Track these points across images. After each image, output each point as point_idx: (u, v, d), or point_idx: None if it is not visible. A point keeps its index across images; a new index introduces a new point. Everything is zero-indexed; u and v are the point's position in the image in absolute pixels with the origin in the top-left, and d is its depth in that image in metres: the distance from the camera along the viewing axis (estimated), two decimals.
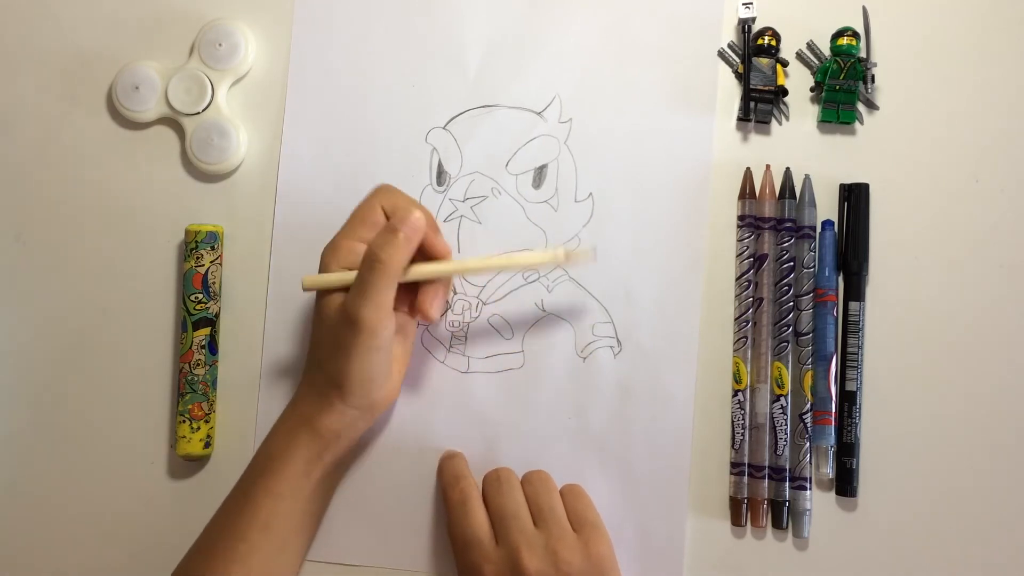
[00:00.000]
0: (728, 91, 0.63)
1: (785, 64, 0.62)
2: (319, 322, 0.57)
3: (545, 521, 0.57)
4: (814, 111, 0.62)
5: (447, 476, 0.60)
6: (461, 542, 0.57)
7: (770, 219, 0.61)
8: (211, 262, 0.63)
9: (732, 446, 0.61)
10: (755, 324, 0.61)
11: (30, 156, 0.66)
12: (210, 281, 0.63)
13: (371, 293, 0.54)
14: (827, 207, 0.62)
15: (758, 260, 0.61)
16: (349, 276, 0.56)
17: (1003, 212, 0.61)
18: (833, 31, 0.62)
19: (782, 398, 0.60)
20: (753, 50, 0.62)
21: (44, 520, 0.64)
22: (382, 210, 0.58)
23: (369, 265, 0.54)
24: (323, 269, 0.57)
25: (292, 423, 0.58)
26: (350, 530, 0.62)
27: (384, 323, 0.54)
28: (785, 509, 0.60)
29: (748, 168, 0.62)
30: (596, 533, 0.57)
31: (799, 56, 0.63)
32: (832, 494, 0.60)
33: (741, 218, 0.62)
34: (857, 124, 0.62)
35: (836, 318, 0.61)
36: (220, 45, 0.64)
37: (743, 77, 0.62)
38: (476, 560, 0.56)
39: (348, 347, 0.55)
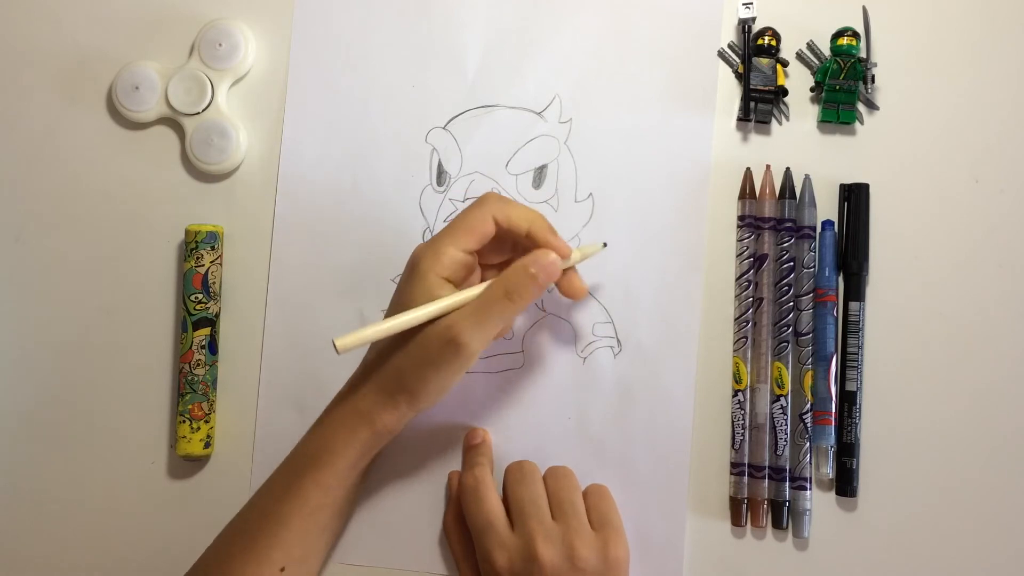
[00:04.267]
0: (728, 91, 0.63)
1: (785, 64, 0.62)
2: (403, 336, 0.54)
3: (564, 515, 0.57)
4: (814, 111, 0.62)
5: (464, 462, 0.60)
6: (475, 528, 0.58)
7: (770, 219, 0.61)
8: (211, 262, 0.63)
9: (732, 446, 0.61)
10: (755, 324, 0.61)
11: (30, 156, 0.66)
12: (210, 281, 0.63)
13: (489, 327, 0.54)
14: (827, 207, 0.62)
15: (758, 260, 0.61)
16: (432, 308, 0.54)
17: (1003, 212, 0.61)
18: (833, 31, 0.62)
19: (782, 398, 0.60)
20: (753, 50, 0.62)
21: (44, 520, 0.64)
22: (494, 221, 0.56)
23: (500, 303, 0.53)
24: (417, 275, 0.55)
25: (349, 418, 0.56)
26: (352, 530, 0.62)
27: (483, 349, 0.54)
28: (785, 509, 0.60)
29: (748, 168, 0.62)
30: (616, 535, 0.57)
31: (799, 56, 0.63)
32: (832, 494, 0.60)
33: (741, 218, 0.62)
34: (857, 124, 0.62)
35: (836, 318, 0.61)
36: (220, 45, 0.64)
37: (743, 77, 0.62)
38: (489, 546, 0.56)
39: (440, 365, 0.54)
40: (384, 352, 0.56)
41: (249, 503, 0.59)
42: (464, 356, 0.53)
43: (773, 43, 0.62)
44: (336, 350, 0.51)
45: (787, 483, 0.60)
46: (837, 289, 0.61)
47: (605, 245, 0.60)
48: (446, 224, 0.57)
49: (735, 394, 0.61)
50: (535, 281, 0.54)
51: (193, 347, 0.63)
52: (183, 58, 0.66)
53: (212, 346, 0.63)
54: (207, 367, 0.63)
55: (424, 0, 0.65)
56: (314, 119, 0.65)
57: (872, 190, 0.61)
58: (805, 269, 0.61)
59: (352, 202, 0.64)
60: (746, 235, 0.62)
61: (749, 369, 0.61)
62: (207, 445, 0.63)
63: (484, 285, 0.55)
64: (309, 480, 0.56)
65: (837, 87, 0.61)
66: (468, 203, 0.63)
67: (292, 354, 0.64)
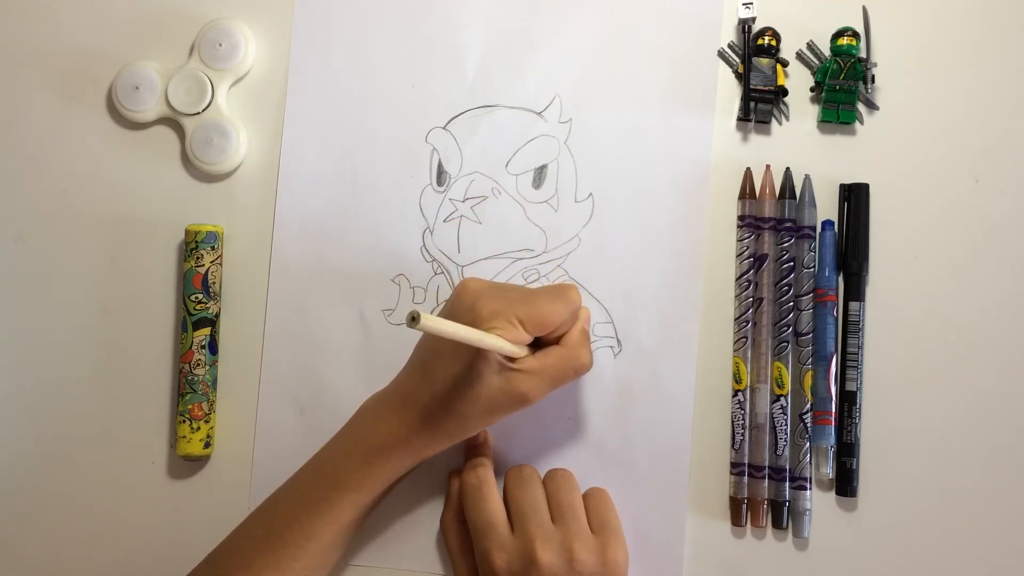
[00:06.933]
0: (728, 91, 0.63)
1: (785, 64, 0.62)
2: (467, 388, 0.54)
3: (564, 518, 0.57)
4: (814, 111, 0.62)
5: (467, 461, 0.60)
6: (475, 527, 0.58)
7: (770, 219, 0.61)
8: (211, 262, 0.63)
9: (732, 446, 0.61)
10: (755, 324, 0.61)
11: (30, 156, 0.66)
12: (210, 281, 0.63)
13: (558, 387, 0.56)
14: (827, 207, 0.62)
15: (758, 260, 0.61)
16: (504, 345, 0.53)
17: (1003, 212, 0.61)
18: (833, 31, 0.62)
19: (782, 398, 0.60)
20: (753, 50, 0.62)
21: (44, 520, 0.64)
22: (559, 319, 0.56)
23: (576, 370, 0.56)
24: (475, 322, 0.54)
25: (400, 451, 0.56)
26: None
27: None
28: (785, 509, 0.60)
29: (748, 168, 0.62)
30: (615, 539, 0.57)
31: (799, 56, 0.63)
32: (832, 494, 0.60)
33: (741, 218, 0.62)
34: (857, 124, 0.62)
35: (836, 318, 0.61)
36: (220, 45, 0.64)
37: (743, 77, 0.62)
38: (488, 546, 0.56)
39: (506, 413, 0.55)
40: (442, 396, 0.55)
41: (271, 508, 0.58)
42: (527, 406, 0.55)
43: (773, 43, 0.62)
44: (411, 321, 0.46)
45: (787, 483, 0.60)
46: (837, 289, 0.61)
47: None
48: (525, 293, 0.56)
49: (735, 394, 0.61)
50: (590, 342, 0.58)
51: (193, 347, 0.63)
52: (183, 58, 0.66)
53: (212, 346, 0.63)
54: (207, 367, 0.63)
55: (424, 0, 0.65)
56: (314, 119, 0.65)
57: (872, 190, 0.61)
58: (805, 269, 0.61)
59: (352, 202, 0.64)
60: (746, 235, 0.62)
61: (749, 369, 0.61)
62: (207, 445, 0.63)
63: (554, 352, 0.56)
64: (348, 500, 0.56)
65: (837, 87, 0.61)
66: (468, 203, 0.63)
67: (292, 354, 0.64)
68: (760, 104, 0.62)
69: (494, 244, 0.63)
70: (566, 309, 0.56)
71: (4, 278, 0.66)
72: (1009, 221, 0.61)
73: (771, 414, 0.60)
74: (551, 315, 0.55)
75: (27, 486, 0.65)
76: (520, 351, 0.55)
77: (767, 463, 0.60)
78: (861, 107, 0.62)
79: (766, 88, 0.62)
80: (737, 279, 0.62)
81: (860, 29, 0.61)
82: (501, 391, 0.54)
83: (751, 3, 0.62)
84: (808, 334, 0.60)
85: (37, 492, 0.64)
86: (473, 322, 0.53)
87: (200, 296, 0.63)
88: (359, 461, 0.56)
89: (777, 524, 0.60)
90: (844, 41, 0.61)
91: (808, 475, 0.60)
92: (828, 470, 0.60)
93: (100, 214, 0.65)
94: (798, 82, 0.63)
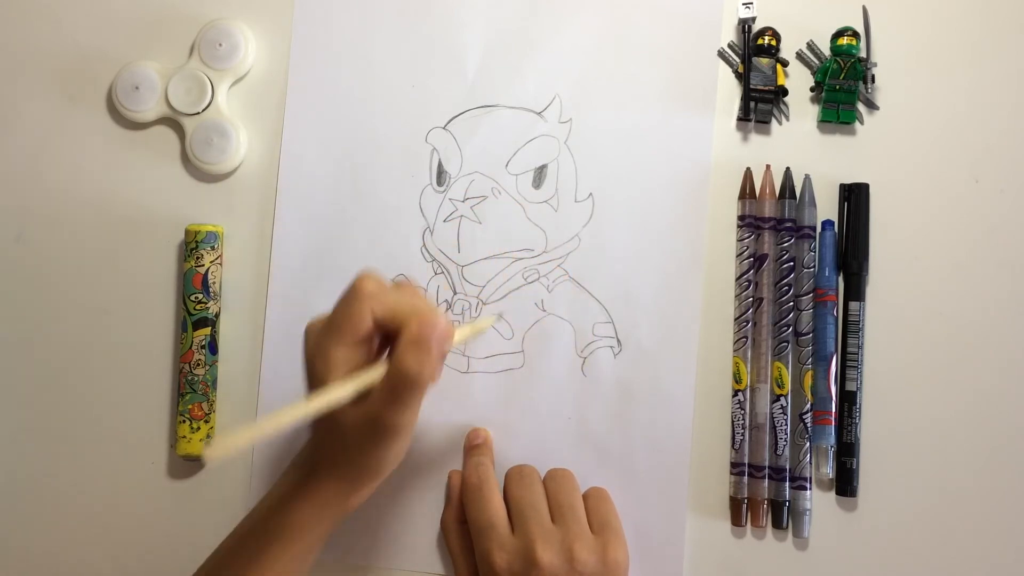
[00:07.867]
0: (728, 91, 0.63)
1: (785, 64, 0.62)
2: (336, 427, 0.52)
3: (564, 518, 0.57)
4: (814, 111, 0.62)
5: (468, 461, 0.60)
6: (476, 527, 0.57)
7: (770, 219, 0.61)
8: (211, 262, 0.63)
9: (732, 446, 0.61)
10: (755, 324, 0.61)
11: (30, 156, 0.66)
12: (210, 281, 0.63)
13: (412, 406, 0.51)
14: (827, 207, 0.62)
15: (758, 260, 0.61)
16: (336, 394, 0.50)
17: (1003, 212, 0.61)
18: (833, 31, 0.62)
19: (782, 398, 0.60)
20: (753, 50, 0.62)
21: (44, 520, 0.64)
22: (373, 319, 0.51)
23: (408, 384, 0.50)
24: (317, 380, 0.51)
25: (317, 505, 0.54)
26: (350, 530, 0.62)
27: (416, 421, 0.52)
28: (785, 509, 0.60)
29: (748, 168, 0.62)
30: (615, 538, 0.57)
31: (799, 56, 0.63)
32: (832, 494, 0.60)
33: (741, 218, 0.62)
34: (857, 124, 0.62)
35: (836, 318, 0.61)
36: (220, 45, 0.64)
37: (743, 77, 0.62)
38: (488, 546, 0.56)
39: (385, 446, 0.52)
40: (328, 440, 0.54)
41: (206, 571, 0.56)
42: (402, 434, 0.52)
43: (773, 43, 0.62)
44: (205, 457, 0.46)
45: (787, 483, 0.60)
46: (837, 289, 0.61)
47: (500, 316, 0.62)
48: (329, 316, 0.52)
49: (735, 394, 0.61)
50: (431, 352, 0.50)
51: (193, 347, 0.63)
52: (183, 58, 0.66)
53: (212, 346, 0.63)
54: (207, 367, 0.63)
55: (424, 0, 0.65)
56: (314, 119, 0.65)
57: (872, 190, 0.61)
58: (805, 269, 0.61)
59: (352, 202, 0.64)
60: (746, 235, 0.62)
61: (749, 369, 0.61)
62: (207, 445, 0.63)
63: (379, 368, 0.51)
64: (277, 547, 0.53)
65: (837, 87, 0.61)
66: (468, 203, 0.64)
67: (292, 354, 0.64)
68: (760, 104, 0.62)
69: (494, 244, 0.63)
70: (359, 304, 0.51)
71: (4, 278, 0.66)
72: (1009, 221, 0.61)
73: (771, 414, 0.60)
74: (347, 318, 0.51)
75: (27, 486, 0.65)
76: (367, 377, 0.50)
77: (767, 463, 0.60)
78: (861, 107, 0.62)
79: (766, 88, 0.62)
80: (737, 279, 0.62)
81: (860, 29, 0.61)
82: (359, 423, 0.51)
83: (751, 3, 0.62)
84: (808, 334, 0.60)
85: (37, 492, 0.65)
86: (310, 373, 0.51)
87: (200, 296, 0.63)
88: (281, 516, 0.54)
89: (777, 524, 0.60)
90: (844, 41, 0.61)
91: (808, 475, 0.60)
92: (828, 470, 0.60)
93: (100, 214, 0.65)
94: (798, 82, 0.63)
